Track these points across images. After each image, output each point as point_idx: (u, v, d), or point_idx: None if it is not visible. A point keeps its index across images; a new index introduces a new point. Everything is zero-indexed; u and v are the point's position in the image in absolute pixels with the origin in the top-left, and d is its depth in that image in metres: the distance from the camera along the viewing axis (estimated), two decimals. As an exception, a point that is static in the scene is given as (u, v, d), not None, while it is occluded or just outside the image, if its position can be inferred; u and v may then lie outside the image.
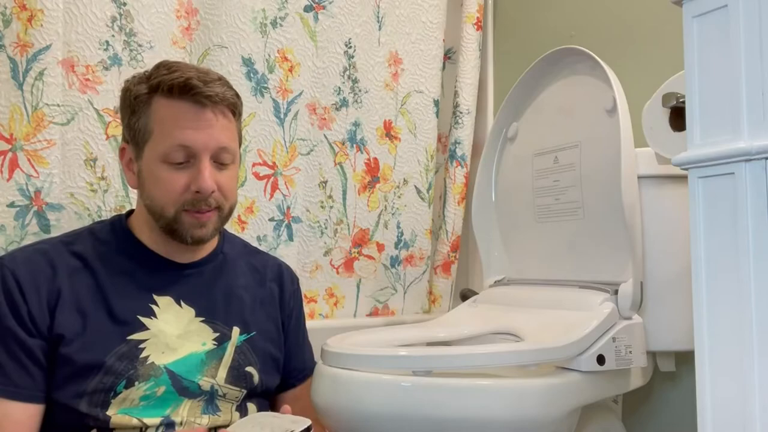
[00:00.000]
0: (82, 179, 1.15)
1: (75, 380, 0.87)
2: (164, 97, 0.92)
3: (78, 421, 0.88)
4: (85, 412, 0.87)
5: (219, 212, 0.96)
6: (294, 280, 1.13)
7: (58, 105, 1.12)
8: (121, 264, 0.95)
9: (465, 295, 1.40)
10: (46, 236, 1.08)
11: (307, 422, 0.81)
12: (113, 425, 0.88)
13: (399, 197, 1.57)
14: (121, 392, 0.88)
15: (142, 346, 0.91)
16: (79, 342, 0.88)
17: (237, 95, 0.98)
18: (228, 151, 0.95)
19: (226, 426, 0.95)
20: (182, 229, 0.93)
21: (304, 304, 1.23)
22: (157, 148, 0.92)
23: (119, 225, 0.99)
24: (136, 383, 0.89)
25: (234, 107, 0.97)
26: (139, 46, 1.21)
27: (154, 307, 0.94)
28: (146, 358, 0.91)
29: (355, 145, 1.50)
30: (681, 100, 1.02)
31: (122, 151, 0.98)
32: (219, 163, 0.95)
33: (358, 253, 1.51)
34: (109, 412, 0.88)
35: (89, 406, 0.87)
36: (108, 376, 0.88)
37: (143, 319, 0.92)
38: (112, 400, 0.88)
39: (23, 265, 0.90)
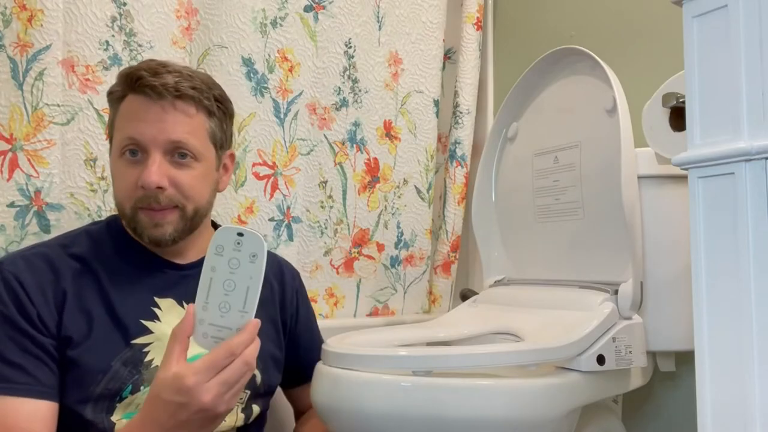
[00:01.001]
0: (82, 179, 1.15)
1: (80, 385, 0.86)
2: (129, 93, 0.90)
3: (81, 427, 0.86)
4: (89, 419, 0.85)
5: (180, 212, 0.91)
6: (295, 276, 1.12)
7: (58, 105, 1.12)
8: (121, 266, 0.94)
9: (465, 295, 1.40)
10: (46, 236, 1.08)
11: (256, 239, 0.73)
12: (117, 431, 0.87)
13: (399, 197, 1.57)
14: (126, 397, 0.87)
15: (146, 350, 0.90)
16: (85, 345, 0.87)
17: (202, 91, 0.91)
18: (185, 147, 0.89)
19: (229, 430, 0.95)
20: (140, 228, 0.91)
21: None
22: (115, 144, 0.92)
23: (115, 225, 0.97)
24: (142, 388, 0.88)
25: (196, 102, 0.90)
26: (139, 46, 1.20)
27: (156, 310, 0.93)
28: (150, 362, 0.90)
29: (355, 145, 1.50)
30: (681, 100, 1.02)
31: None
32: (178, 160, 0.90)
33: (358, 253, 1.51)
34: (114, 418, 0.86)
35: (94, 413, 0.86)
36: (114, 382, 0.87)
37: (146, 323, 0.91)
38: (118, 405, 0.87)
39: (25, 268, 0.87)
